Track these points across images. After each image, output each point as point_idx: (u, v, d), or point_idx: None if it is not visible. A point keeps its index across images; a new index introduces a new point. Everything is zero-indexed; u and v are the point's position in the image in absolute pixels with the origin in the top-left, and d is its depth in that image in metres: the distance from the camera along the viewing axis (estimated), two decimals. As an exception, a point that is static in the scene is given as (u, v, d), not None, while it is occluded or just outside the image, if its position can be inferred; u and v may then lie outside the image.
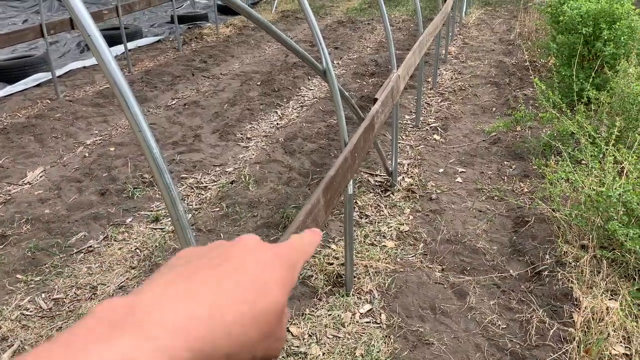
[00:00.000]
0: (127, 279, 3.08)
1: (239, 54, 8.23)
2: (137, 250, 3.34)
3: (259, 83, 6.71)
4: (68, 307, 2.86)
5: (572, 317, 2.61)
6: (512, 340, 2.55)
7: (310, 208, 2.10)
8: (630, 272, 2.80)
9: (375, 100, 3.21)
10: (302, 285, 2.95)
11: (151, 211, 3.78)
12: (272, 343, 0.37)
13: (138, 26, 9.32)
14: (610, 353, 2.36)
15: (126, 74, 7.19)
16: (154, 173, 1.27)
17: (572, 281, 2.82)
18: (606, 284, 2.74)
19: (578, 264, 2.91)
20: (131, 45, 8.33)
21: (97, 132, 5.24)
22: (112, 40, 8.32)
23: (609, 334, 2.42)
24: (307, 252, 0.44)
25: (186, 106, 5.89)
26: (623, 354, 2.38)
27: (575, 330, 2.51)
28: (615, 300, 2.62)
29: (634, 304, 2.58)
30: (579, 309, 2.60)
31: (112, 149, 4.80)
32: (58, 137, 5.11)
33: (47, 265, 3.21)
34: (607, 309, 2.54)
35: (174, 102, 6.07)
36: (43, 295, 2.97)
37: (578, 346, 2.44)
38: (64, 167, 4.50)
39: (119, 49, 7.93)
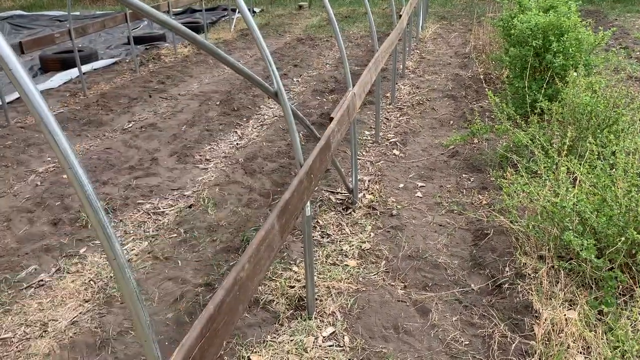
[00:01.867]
0: (80, 313, 2.95)
1: (198, 74, 8.15)
2: (91, 282, 3.22)
3: (218, 103, 6.64)
4: (17, 347, 2.71)
5: (533, 330, 2.62)
6: (475, 356, 2.54)
7: (264, 235, 2.05)
8: (587, 281, 2.84)
9: (332, 119, 3.20)
10: (263, 311, 2.88)
11: (106, 240, 3.65)
12: None
13: (93, 48, 9.14)
14: (571, 364, 2.37)
15: (81, 97, 7.02)
16: (87, 212, 1.20)
17: (531, 293, 2.83)
18: (564, 294, 2.77)
19: (537, 275, 2.93)
20: (86, 68, 8.16)
21: (49, 158, 5.07)
22: (66, 64, 8.14)
23: (569, 345, 2.44)
24: None
25: (143, 129, 5.77)
26: (583, 364, 2.39)
27: (536, 343, 2.51)
28: (574, 310, 2.65)
29: (591, 314, 2.61)
30: (540, 320, 2.61)
31: (65, 176, 4.64)
32: (8, 165, 4.92)
33: (-6, 303, 3.06)
34: (566, 320, 2.56)
35: (130, 125, 5.94)
36: (-10, 335, 2.82)
37: (540, 359, 2.44)
38: (15, 197, 4.33)
39: (74, 72, 7.75)
